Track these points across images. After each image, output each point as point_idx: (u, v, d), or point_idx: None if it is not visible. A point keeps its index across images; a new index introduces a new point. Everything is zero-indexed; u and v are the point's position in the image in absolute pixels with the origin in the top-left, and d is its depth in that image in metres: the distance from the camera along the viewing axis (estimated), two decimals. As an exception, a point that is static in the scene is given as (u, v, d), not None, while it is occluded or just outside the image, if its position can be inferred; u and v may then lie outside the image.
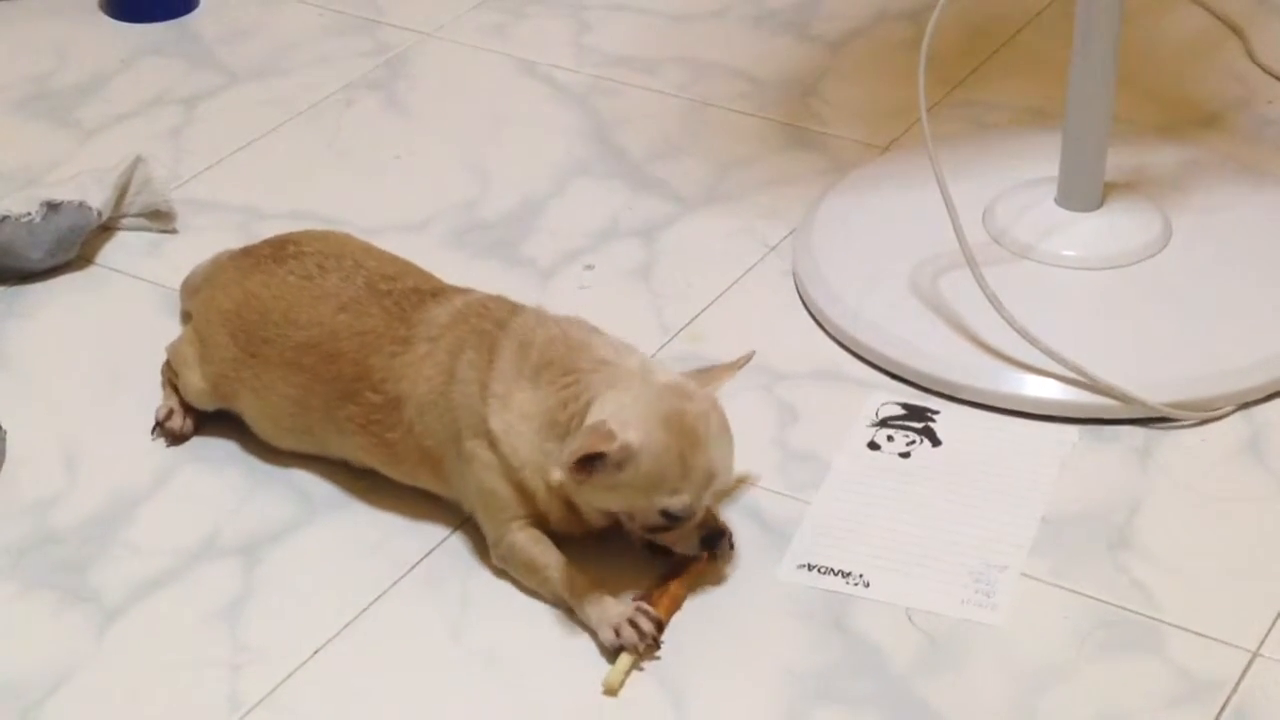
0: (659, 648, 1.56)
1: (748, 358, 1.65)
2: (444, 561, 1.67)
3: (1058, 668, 1.55)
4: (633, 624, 1.54)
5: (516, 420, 1.60)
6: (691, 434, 1.54)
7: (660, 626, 1.55)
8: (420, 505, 1.71)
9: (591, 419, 1.54)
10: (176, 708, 1.55)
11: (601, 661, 1.56)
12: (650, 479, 1.54)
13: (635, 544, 1.62)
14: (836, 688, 1.54)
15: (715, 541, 1.60)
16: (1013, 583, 1.62)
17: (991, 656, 1.56)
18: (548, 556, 1.61)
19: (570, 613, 1.60)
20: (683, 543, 1.59)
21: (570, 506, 1.61)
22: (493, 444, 1.61)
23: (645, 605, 1.56)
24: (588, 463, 1.53)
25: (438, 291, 1.72)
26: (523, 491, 1.61)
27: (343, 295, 1.72)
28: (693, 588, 1.61)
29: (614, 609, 1.56)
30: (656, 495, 1.55)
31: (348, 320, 1.70)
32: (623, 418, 1.54)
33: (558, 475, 1.56)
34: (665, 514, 1.56)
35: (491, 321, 1.65)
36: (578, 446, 1.52)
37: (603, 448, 1.52)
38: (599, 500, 1.57)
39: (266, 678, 1.56)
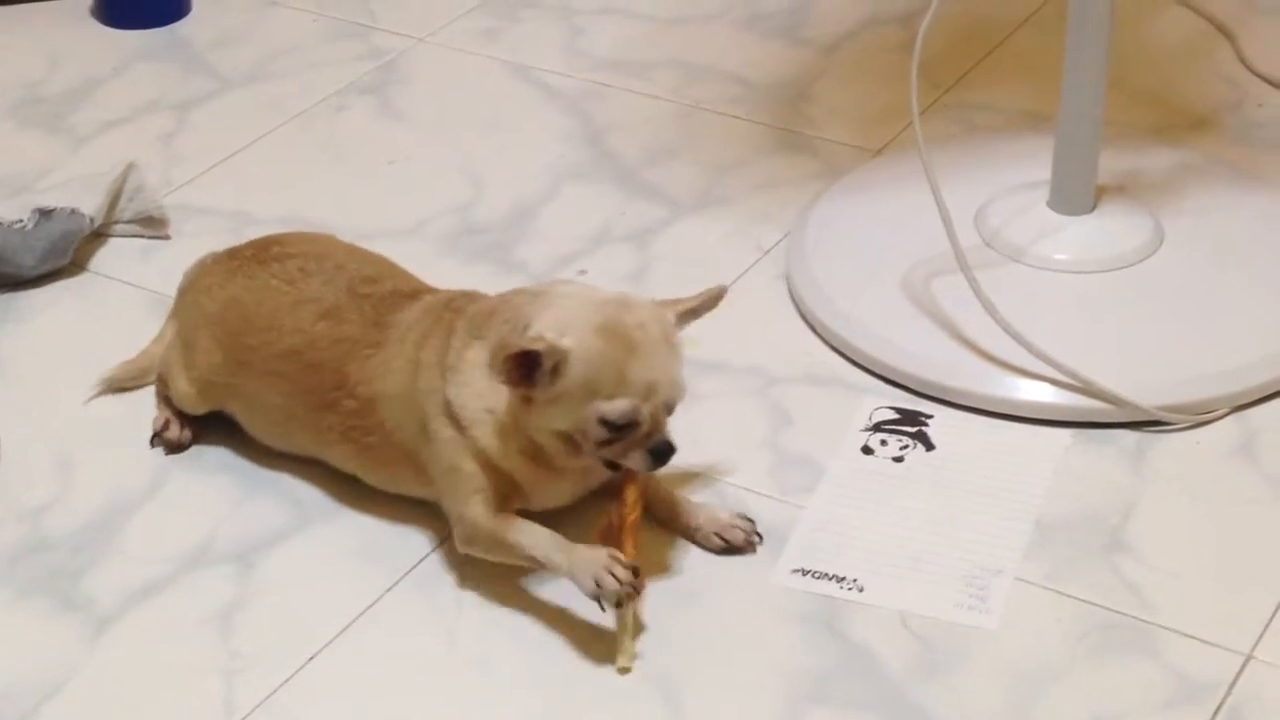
0: (640, 591, 1.55)
1: (720, 292, 1.63)
2: (438, 567, 1.67)
3: (1052, 671, 1.55)
4: (610, 573, 1.53)
5: (468, 375, 1.59)
6: (627, 340, 1.54)
7: (636, 571, 1.54)
8: (414, 511, 1.71)
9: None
10: (171, 715, 1.54)
11: (595, 667, 1.56)
12: (587, 385, 1.53)
13: (598, 466, 1.60)
14: (831, 692, 1.54)
15: (664, 455, 1.57)
16: (1007, 586, 1.63)
17: (986, 660, 1.56)
18: (508, 522, 1.60)
19: (544, 569, 1.58)
20: (632, 457, 1.56)
21: (531, 460, 1.59)
22: (452, 416, 1.60)
23: (616, 552, 1.54)
24: (524, 372, 1.52)
25: (415, 293, 1.72)
26: (486, 464, 1.60)
27: (324, 301, 1.71)
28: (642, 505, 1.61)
29: (587, 555, 1.54)
30: (594, 402, 1.53)
31: (327, 328, 1.70)
32: (558, 327, 1.53)
33: (499, 402, 1.55)
34: (605, 423, 1.54)
35: (452, 311, 1.65)
36: (504, 341, 1.51)
37: (529, 346, 1.51)
38: (545, 420, 1.55)
39: (261, 684, 1.56)
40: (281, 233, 1.85)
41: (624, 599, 1.53)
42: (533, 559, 1.59)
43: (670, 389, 1.56)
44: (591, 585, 1.54)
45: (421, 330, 1.66)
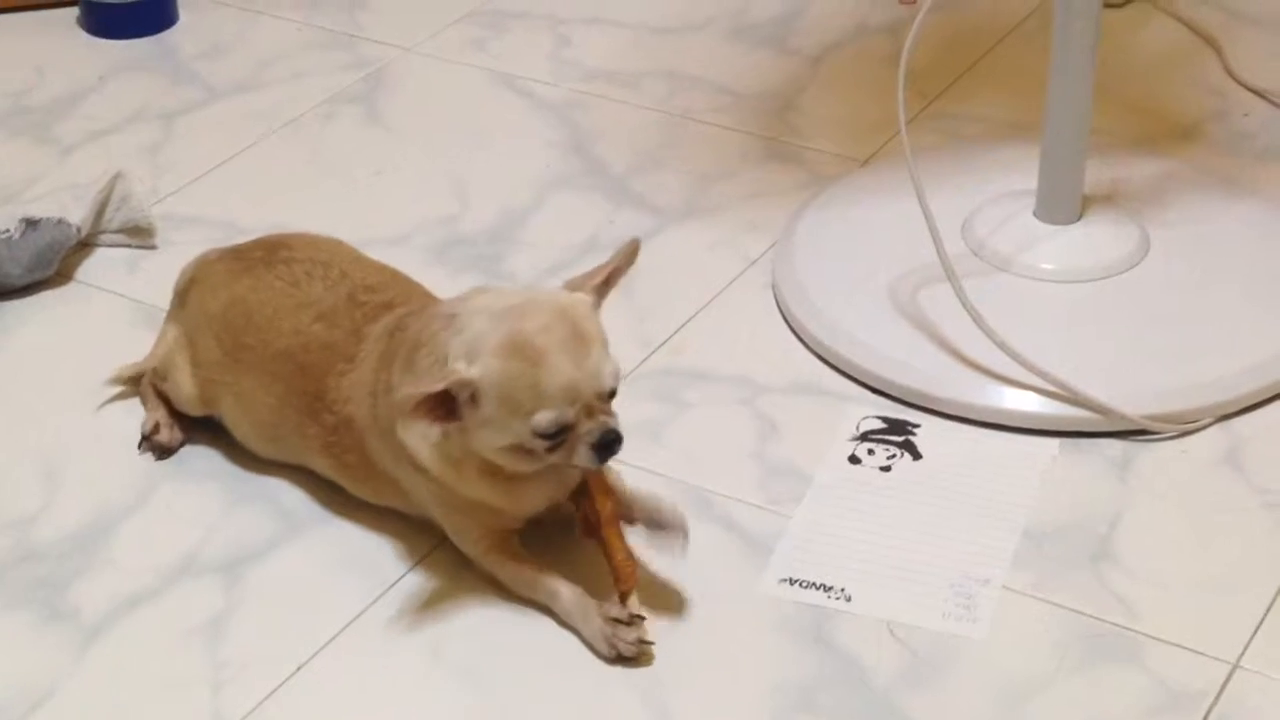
0: (652, 644, 1.56)
1: (634, 245, 1.60)
2: (425, 577, 1.67)
3: (1039, 680, 1.55)
4: (621, 638, 1.55)
5: (405, 420, 1.55)
6: (531, 351, 1.50)
7: (640, 618, 1.56)
8: (401, 521, 1.71)
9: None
10: (158, 725, 1.54)
11: (582, 679, 1.56)
12: (509, 405, 1.51)
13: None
14: (818, 701, 1.54)
15: (609, 446, 1.53)
16: (994, 596, 1.63)
17: (973, 669, 1.56)
18: (526, 574, 1.61)
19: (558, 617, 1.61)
20: (578, 455, 1.54)
21: (492, 476, 1.58)
22: (413, 463, 1.59)
23: (618, 614, 1.56)
24: (445, 410, 1.50)
25: (399, 305, 1.70)
26: (468, 504, 1.60)
27: (323, 304, 1.71)
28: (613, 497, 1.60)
29: (598, 621, 1.56)
30: (522, 419, 1.51)
31: (319, 331, 1.69)
32: (467, 354, 1.51)
33: (435, 435, 1.52)
34: (539, 435, 1.52)
35: (401, 330, 1.63)
36: (411, 390, 1.50)
37: (436, 386, 1.49)
38: (485, 442, 1.54)
39: (248, 695, 1.56)
40: (290, 234, 1.84)
41: (639, 657, 1.55)
42: (550, 611, 1.60)
43: (592, 382, 1.52)
44: (608, 650, 1.56)
45: (378, 353, 1.64)
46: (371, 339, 1.66)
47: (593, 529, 1.59)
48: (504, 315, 1.53)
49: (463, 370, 1.50)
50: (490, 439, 1.54)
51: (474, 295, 1.60)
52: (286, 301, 1.72)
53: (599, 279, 1.59)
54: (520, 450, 1.55)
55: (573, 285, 1.59)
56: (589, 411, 1.52)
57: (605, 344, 1.55)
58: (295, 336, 1.70)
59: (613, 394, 1.55)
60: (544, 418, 1.51)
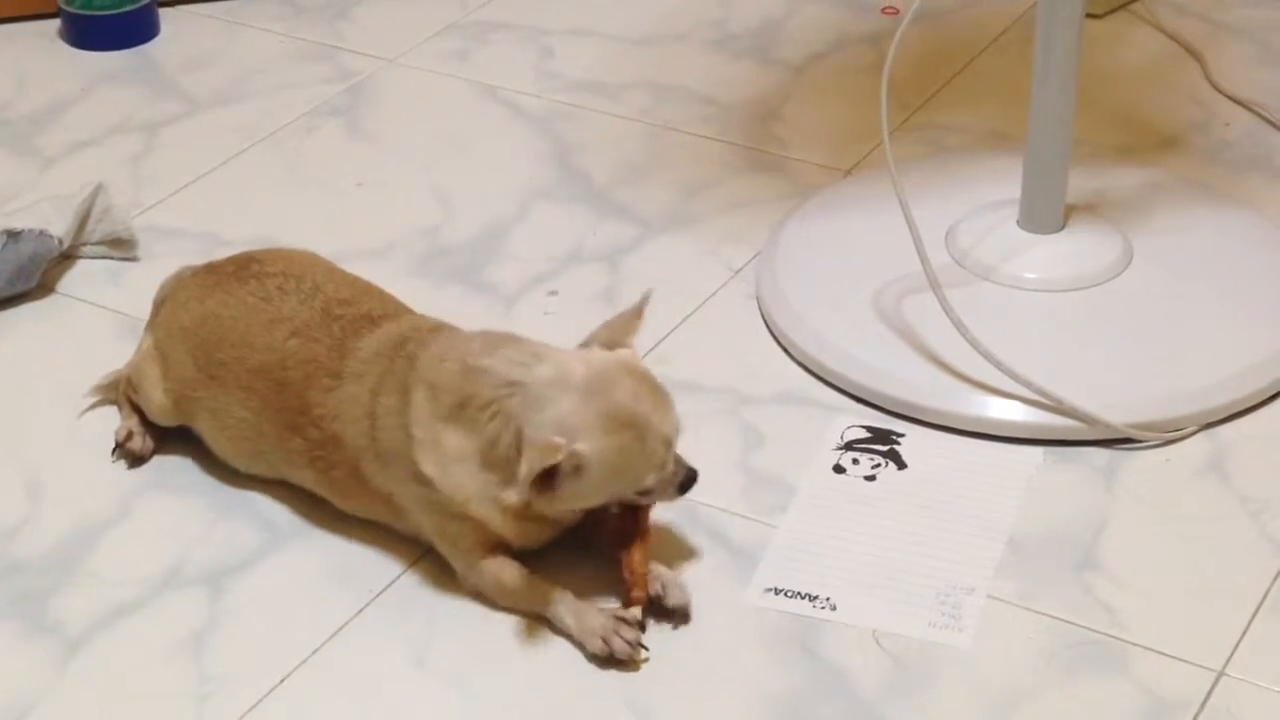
0: (647, 651, 1.57)
1: (645, 300, 1.64)
2: (409, 588, 1.66)
3: (1024, 689, 1.55)
4: (618, 635, 1.56)
5: (451, 463, 1.59)
6: (636, 420, 1.55)
7: (642, 626, 1.57)
8: (385, 533, 1.71)
9: (529, 442, 1.54)
10: (141, 738, 1.54)
11: (567, 688, 1.56)
12: (619, 474, 1.56)
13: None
14: (804, 711, 1.54)
15: (691, 483, 1.61)
16: (979, 604, 1.63)
17: (958, 678, 1.56)
18: (517, 579, 1.61)
19: (549, 624, 1.60)
20: (662, 496, 1.61)
21: (527, 521, 1.60)
22: (430, 486, 1.60)
23: (622, 613, 1.56)
24: (548, 480, 1.53)
25: (381, 319, 1.70)
26: (474, 522, 1.61)
27: (297, 320, 1.71)
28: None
29: (595, 619, 1.57)
30: (633, 484, 1.57)
31: (296, 347, 1.69)
32: (564, 430, 1.53)
33: (513, 498, 1.56)
34: (645, 492, 1.59)
35: (405, 358, 1.63)
36: (529, 468, 1.52)
37: (552, 460, 1.52)
38: (570, 504, 1.58)
39: (232, 708, 1.55)
40: (262, 250, 1.84)
41: (632, 659, 1.56)
42: (540, 615, 1.60)
43: (677, 431, 1.60)
44: (600, 645, 1.56)
45: (375, 376, 1.64)
46: (359, 358, 1.66)
47: (625, 539, 1.60)
48: (589, 389, 1.55)
49: (572, 445, 1.52)
50: (579, 501, 1.58)
51: (529, 361, 1.58)
52: (259, 317, 1.72)
53: (635, 330, 1.63)
54: (602, 504, 1.60)
55: (608, 341, 1.62)
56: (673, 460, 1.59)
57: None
58: (270, 353, 1.70)
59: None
60: (651, 480, 1.58)
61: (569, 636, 1.59)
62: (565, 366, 1.58)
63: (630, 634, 1.56)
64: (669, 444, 1.58)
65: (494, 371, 1.58)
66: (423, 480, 1.60)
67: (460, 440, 1.58)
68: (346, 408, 1.65)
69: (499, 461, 1.56)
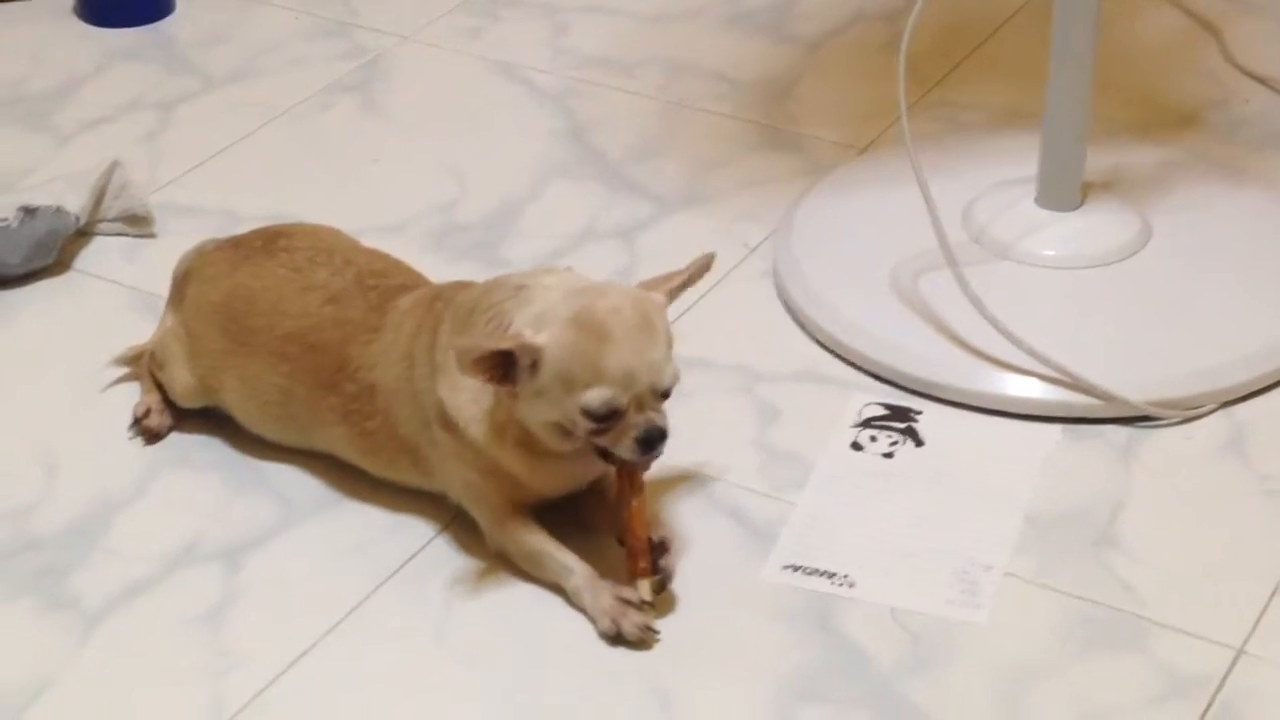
0: (658, 633, 1.56)
1: (708, 260, 1.62)
2: (427, 564, 1.66)
3: (1042, 666, 1.55)
4: (628, 620, 1.56)
5: (459, 382, 1.58)
6: (600, 328, 1.52)
7: (662, 585, 1.57)
8: (403, 508, 1.71)
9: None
10: (160, 714, 1.54)
11: (586, 664, 1.56)
12: (563, 378, 1.52)
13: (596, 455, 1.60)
14: (822, 688, 1.54)
15: (653, 442, 1.54)
16: (997, 582, 1.62)
17: (976, 655, 1.56)
18: (539, 545, 1.61)
19: (566, 597, 1.60)
20: (621, 446, 1.55)
21: (529, 452, 1.59)
22: (447, 423, 1.60)
23: (632, 596, 1.56)
24: (502, 371, 1.52)
25: (414, 287, 1.72)
26: (492, 470, 1.60)
27: (331, 288, 1.71)
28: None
29: (607, 599, 1.57)
30: (574, 393, 1.52)
31: (333, 311, 1.70)
32: (536, 322, 1.53)
33: (482, 393, 1.55)
34: (587, 413, 1.52)
35: (443, 301, 1.65)
36: (474, 341, 1.51)
37: (501, 345, 1.51)
38: (533, 413, 1.55)
39: (250, 683, 1.55)
40: (287, 224, 1.84)
41: (642, 641, 1.56)
42: (557, 585, 1.60)
43: (650, 374, 1.54)
44: (609, 625, 1.56)
45: (415, 320, 1.66)
46: (400, 310, 1.67)
47: (619, 503, 1.59)
48: (578, 293, 1.55)
49: (529, 336, 1.51)
50: (539, 411, 1.55)
51: (545, 274, 1.62)
52: (291, 286, 1.73)
53: (674, 284, 1.60)
54: (563, 428, 1.56)
55: (647, 286, 1.61)
56: (639, 404, 1.54)
57: (670, 345, 1.57)
58: (304, 318, 1.71)
59: (666, 394, 1.56)
60: (595, 395, 1.51)
61: (583, 611, 1.59)
62: (573, 278, 1.59)
63: (639, 618, 1.56)
64: (628, 374, 1.52)
65: (509, 281, 1.60)
66: (445, 423, 1.60)
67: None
68: (385, 354, 1.66)
69: None
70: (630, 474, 1.59)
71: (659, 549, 1.59)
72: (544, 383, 1.53)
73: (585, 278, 1.62)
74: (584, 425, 1.54)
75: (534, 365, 1.52)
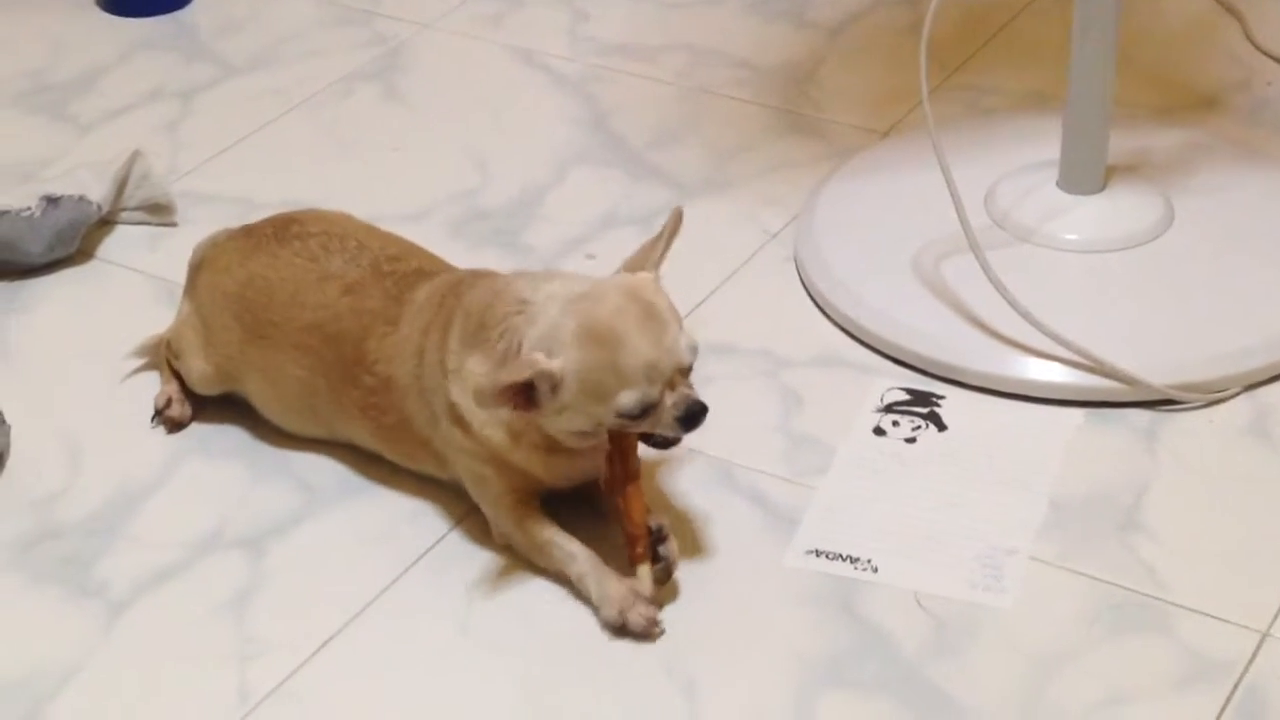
0: (662, 631, 1.56)
1: (677, 214, 1.62)
2: (450, 551, 1.67)
3: (1067, 650, 1.55)
4: (636, 611, 1.55)
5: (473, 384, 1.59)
6: (609, 336, 1.52)
7: (668, 572, 1.57)
8: (426, 495, 1.71)
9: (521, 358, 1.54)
10: (186, 701, 1.54)
11: (608, 651, 1.56)
12: (592, 392, 1.52)
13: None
14: (846, 672, 1.54)
15: (695, 417, 1.55)
16: (1021, 566, 1.62)
17: (1000, 640, 1.56)
18: (544, 534, 1.61)
19: (571, 584, 1.60)
20: (661, 427, 1.55)
21: (546, 450, 1.60)
22: (459, 420, 1.60)
23: (641, 588, 1.56)
24: (524, 398, 1.52)
25: (435, 272, 1.72)
26: (499, 463, 1.60)
27: (348, 276, 1.71)
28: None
29: (614, 588, 1.56)
30: (607, 404, 1.53)
31: (351, 302, 1.70)
32: (546, 345, 1.53)
33: (488, 409, 1.55)
34: (624, 415, 1.53)
35: (454, 297, 1.64)
36: (493, 379, 1.51)
37: (518, 378, 1.51)
38: (560, 425, 1.56)
39: (276, 670, 1.56)
40: (298, 211, 1.84)
41: (647, 634, 1.55)
42: (563, 575, 1.60)
43: (672, 357, 1.54)
44: (614, 615, 1.56)
45: (427, 315, 1.66)
46: (416, 304, 1.67)
47: (616, 483, 1.59)
48: (575, 303, 1.54)
49: (543, 362, 1.52)
50: (567, 422, 1.56)
51: (542, 282, 1.60)
52: (308, 276, 1.72)
53: (657, 254, 1.60)
54: (587, 431, 1.57)
55: (632, 265, 1.60)
56: (670, 386, 1.54)
57: (679, 319, 1.56)
58: (323, 309, 1.70)
59: (692, 366, 1.56)
60: (627, 398, 1.52)
61: (588, 599, 1.59)
62: (569, 285, 1.58)
63: (647, 610, 1.55)
64: (651, 367, 1.52)
65: (511, 292, 1.59)
66: (455, 418, 1.60)
67: (478, 364, 1.58)
68: (399, 349, 1.66)
69: None
70: (624, 460, 1.58)
71: (658, 536, 1.58)
72: (567, 399, 1.53)
73: (580, 278, 1.60)
74: (619, 425, 1.55)
75: (554, 387, 1.53)
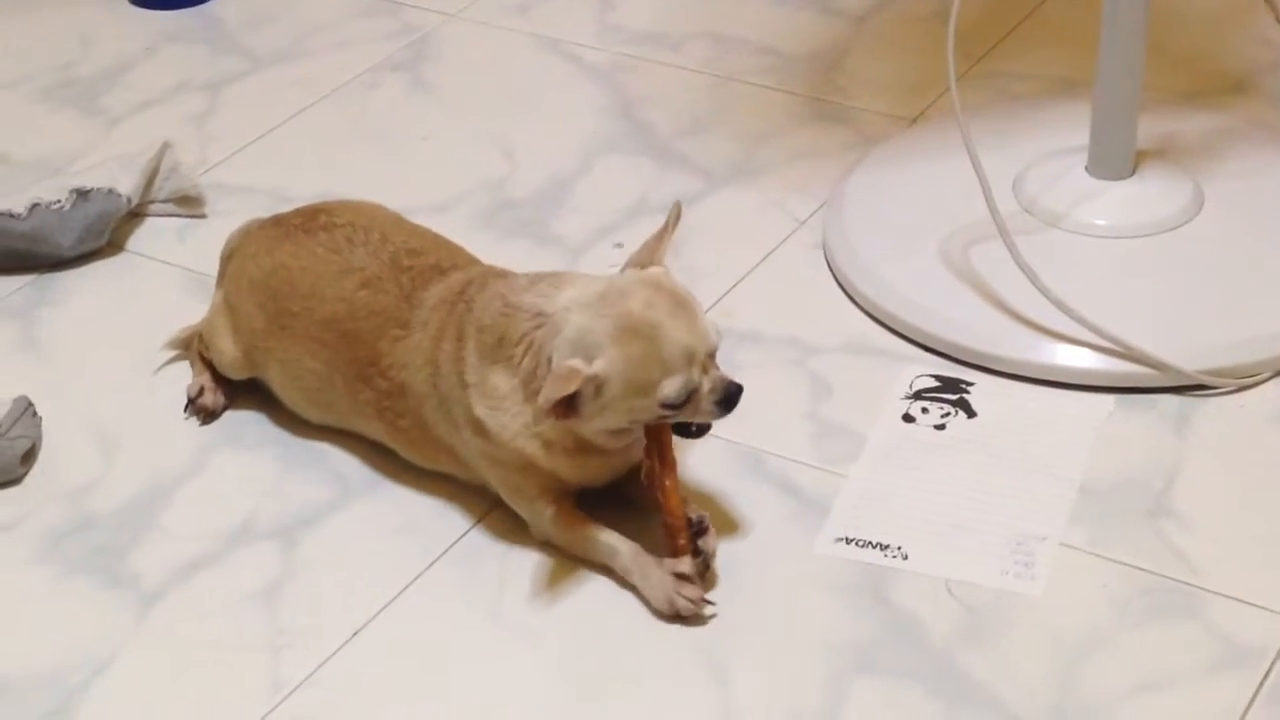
0: (712, 605, 1.57)
1: (676, 213, 1.63)
2: (480, 540, 1.67)
3: (1098, 636, 1.54)
4: (681, 595, 1.56)
5: (498, 401, 1.59)
6: (648, 329, 1.53)
7: (707, 565, 1.58)
8: (455, 486, 1.71)
9: (554, 371, 1.54)
10: (218, 690, 1.55)
11: (639, 638, 1.56)
12: (635, 387, 1.53)
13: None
14: (876, 659, 1.54)
15: (733, 398, 1.56)
16: (1051, 552, 1.62)
17: (1031, 626, 1.56)
18: (582, 530, 1.61)
19: (615, 575, 1.61)
20: (700, 414, 1.57)
21: (578, 453, 1.60)
22: (483, 432, 1.61)
23: (685, 570, 1.56)
24: (569, 405, 1.53)
25: (450, 269, 1.71)
26: (531, 467, 1.61)
27: (367, 270, 1.71)
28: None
29: (657, 575, 1.57)
30: (651, 395, 1.53)
31: (366, 298, 1.70)
32: (582, 351, 1.53)
33: (543, 428, 1.56)
34: (667, 404, 1.54)
35: (464, 303, 1.64)
36: (545, 398, 1.51)
37: (569, 389, 1.51)
38: (599, 424, 1.56)
39: (307, 660, 1.56)
40: (329, 201, 1.85)
41: (696, 614, 1.56)
42: (607, 567, 1.61)
43: (704, 341, 1.55)
44: (666, 606, 1.56)
45: (438, 322, 1.65)
46: (427, 306, 1.67)
47: (656, 480, 1.59)
48: (602, 304, 1.55)
49: (586, 368, 1.52)
50: (606, 421, 1.56)
51: (552, 289, 1.60)
52: (329, 268, 1.73)
53: (662, 248, 1.60)
54: (623, 428, 1.57)
55: (639, 262, 1.60)
56: (705, 370, 1.55)
57: (699, 305, 1.57)
58: (340, 304, 1.70)
59: (716, 351, 1.57)
60: (670, 386, 1.53)
61: (635, 590, 1.59)
62: (584, 289, 1.58)
63: (692, 592, 1.56)
64: (690, 353, 1.54)
65: (525, 306, 1.59)
66: (479, 430, 1.61)
67: (503, 379, 1.59)
68: (412, 356, 1.66)
69: (537, 395, 1.56)
70: (661, 453, 1.59)
71: (699, 529, 1.59)
72: (609, 399, 1.54)
73: (588, 279, 1.60)
74: (660, 415, 1.55)
75: (598, 390, 1.53)
